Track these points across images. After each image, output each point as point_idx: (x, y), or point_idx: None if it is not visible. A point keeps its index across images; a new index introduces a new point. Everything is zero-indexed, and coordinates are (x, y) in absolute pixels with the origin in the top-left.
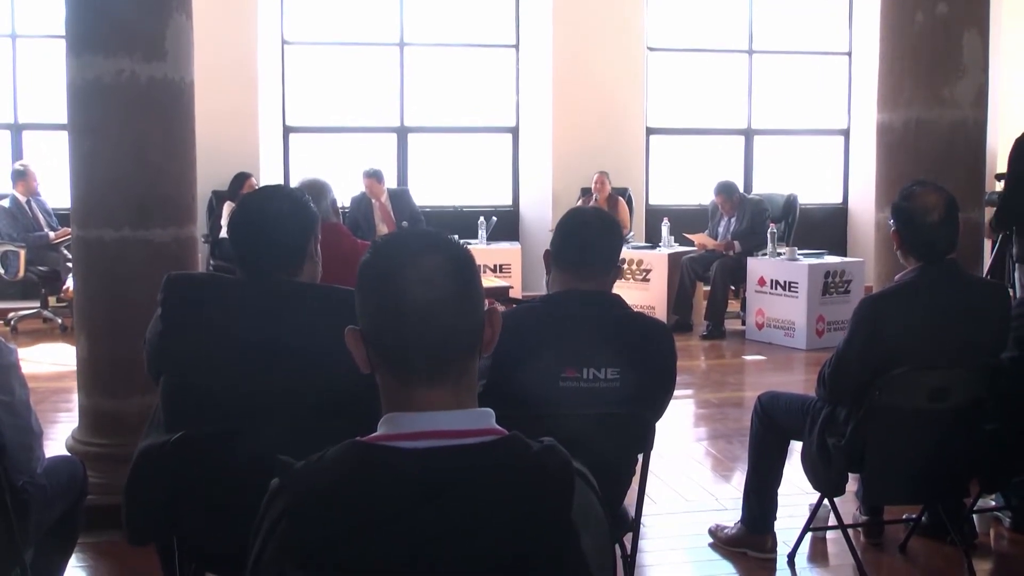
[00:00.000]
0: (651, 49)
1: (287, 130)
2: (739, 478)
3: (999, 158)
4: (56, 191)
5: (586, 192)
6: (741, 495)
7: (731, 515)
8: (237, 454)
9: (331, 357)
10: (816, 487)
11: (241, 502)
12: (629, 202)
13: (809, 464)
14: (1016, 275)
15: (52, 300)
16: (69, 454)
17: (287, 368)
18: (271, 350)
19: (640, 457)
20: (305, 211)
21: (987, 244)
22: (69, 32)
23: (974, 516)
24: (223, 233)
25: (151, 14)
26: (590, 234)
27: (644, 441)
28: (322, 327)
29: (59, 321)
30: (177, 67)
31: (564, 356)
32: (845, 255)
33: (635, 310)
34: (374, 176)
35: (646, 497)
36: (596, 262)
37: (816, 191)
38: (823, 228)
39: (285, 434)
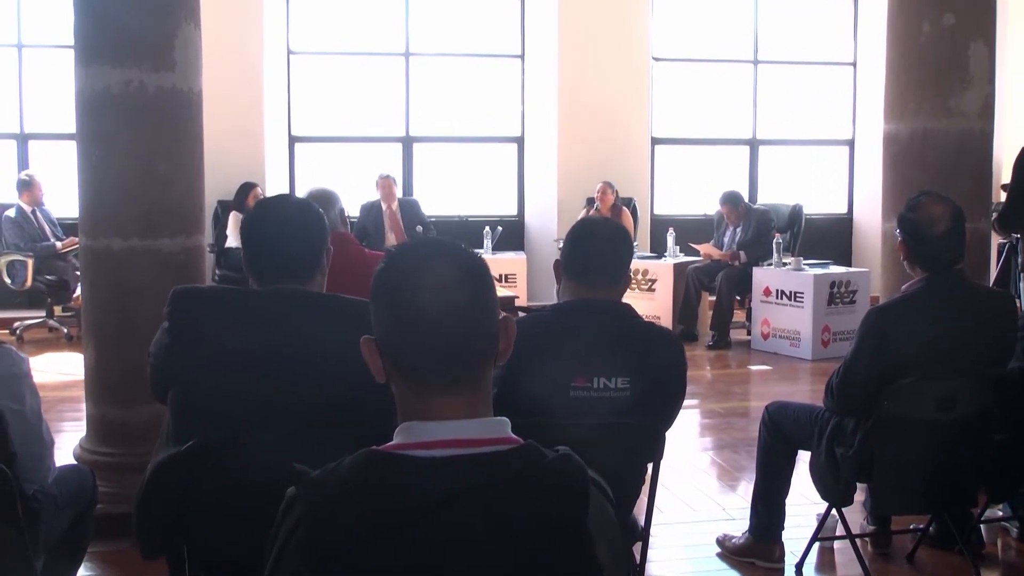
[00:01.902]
0: (656, 59)
1: (292, 140)
2: (746, 488)
3: (1003, 168)
4: (60, 201)
5: (591, 202)
6: (748, 505)
7: (738, 525)
8: (247, 463)
9: (339, 366)
10: (824, 497)
11: (252, 510)
12: (634, 212)
13: (817, 474)
14: (1022, 285)
15: (58, 309)
16: (78, 463)
17: (295, 378)
18: (278, 360)
19: (649, 466)
20: (320, 222)
21: (993, 254)
22: (78, 42)
23: (981, 526)
24: (229, 243)
25: (160, 24)
26: (600, 244)
27: (654, 450)
28: (330, 337)
29: (65, 330)
30: (185, 77)
31: (574, 365)
32: (850, 265)
33: (644, 319)
34: (390, 177)
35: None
36: (606, 272)
37: (821, 201)
38: (828, 238)
39: (294, 443)
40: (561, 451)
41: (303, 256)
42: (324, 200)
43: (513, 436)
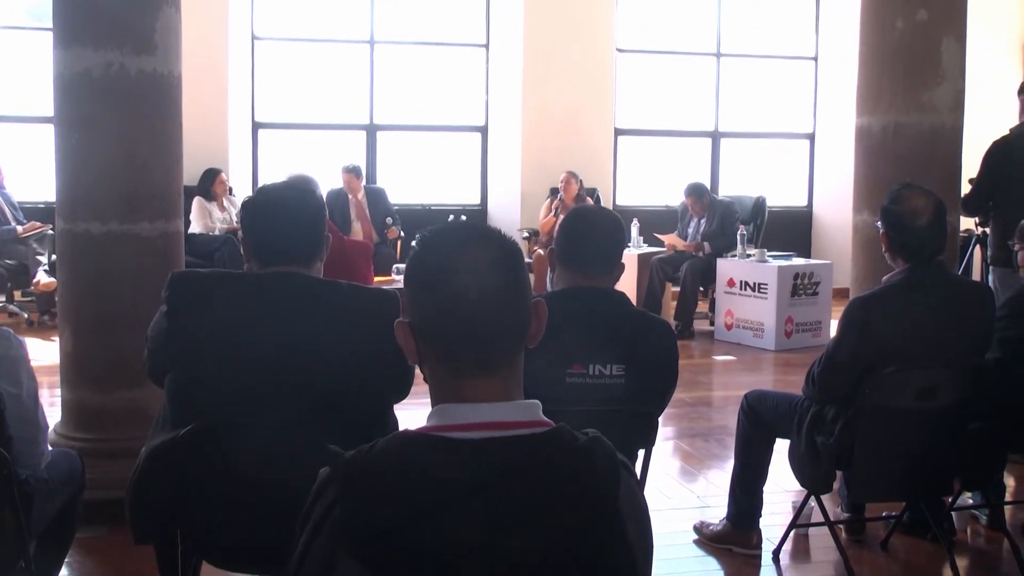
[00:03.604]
0: (620, 50)
1: (256, 126)
2: (718, 476)
3: (967, 163)
4: (21, 184)
5: (555, 192)
6: (720, 492)
7: (713, 512)
8: (244, 448)
9: (338, 353)
10: (804, 484)
11: (248, 496)
12: (597, 202)
13: (797, 462)
14: (991, 277)
15: (17, 294)
16: (69, 448)
17: (295, 364)
18: (278, 346)
19: (640, 452)
20: (321, 208)
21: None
22: (58, 24)
23: (952, 514)
24: (193, 228)
25: (141, 7)
26: (595, 232)
27: (648, 436)
28: (330, 325)
29: (25, 315)
30: (167, 61)
31: (570, 352)
32: (809, 257)
33: (637, 308)
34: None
35: None
36: (601, 260)
37: (781, 194)
38: (788, 231)
39: (291, 429)
40: (591, 434)
41: (307, 241)
42: (304, 186)
43: (545, 419)
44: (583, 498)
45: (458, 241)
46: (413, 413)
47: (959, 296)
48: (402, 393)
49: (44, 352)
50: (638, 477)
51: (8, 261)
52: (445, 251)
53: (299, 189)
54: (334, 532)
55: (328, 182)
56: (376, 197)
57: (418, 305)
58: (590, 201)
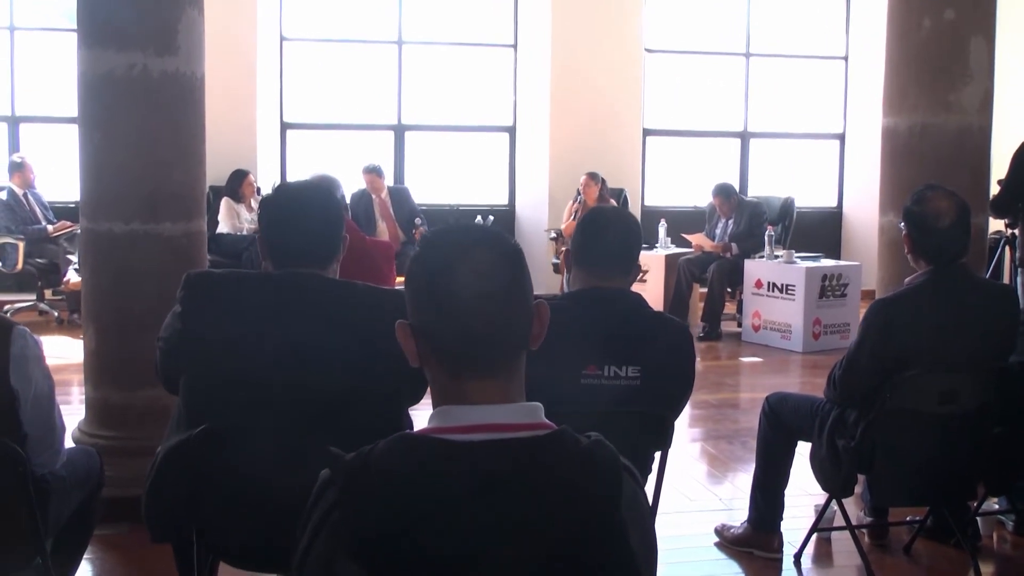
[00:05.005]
0: (648, 51)
1: (284, 126)
2: (741, 478)
3: (995, 163)
4: (51, 184)
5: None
6: (744, 495)
7: (735, 515)
8: (257, 449)
9: (351, 354)
10: (825, 488)
11: (261, 496)
12: (625, 203)
13: (818, 465)
14: (1019, 279)
15: (48, 293)
16: (88, 446)
17: (308, 365)
18: (292, 347)
19: (657, 455)
20: (340, 209)
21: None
22: (81, 25)
23: (978, 519)
24: (220, 228)
25: (164, 8)
26: (611, 233)
27: (663, 438)
28: (343, 325)
29: (55, 314)
30: (189, 62)
31: (586, 353)
32: (839, 258)
33: (654, 309)
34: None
35: None
36: (617, 261)
37: (811, 195)
38: (817, 232)
39: (304, 431)
40: (594, 437)
41: (323, 241)
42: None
43: (547, 421)
44: (584, 502)
45: (459, 242)
46: (427, 416)
47: (982, 299)
48: (417, 395)
49: (74, 350)
50: (655, 480)
51: (39, 260)
52: (446, 252)
53: (316, 188)
54: (334, 534)
55: (355, 183)
56: (400, 196)
57: (419, 306)
58: (614, 202)
